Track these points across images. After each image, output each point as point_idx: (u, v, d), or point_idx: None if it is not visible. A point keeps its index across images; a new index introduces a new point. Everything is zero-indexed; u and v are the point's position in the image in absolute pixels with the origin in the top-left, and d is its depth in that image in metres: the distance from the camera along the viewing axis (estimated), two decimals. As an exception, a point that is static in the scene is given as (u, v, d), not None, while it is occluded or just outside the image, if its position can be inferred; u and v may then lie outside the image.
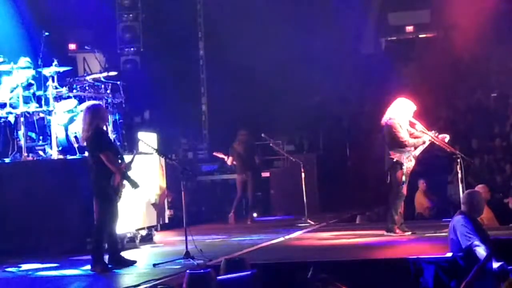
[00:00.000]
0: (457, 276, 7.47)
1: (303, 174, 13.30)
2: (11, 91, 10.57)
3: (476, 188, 10.92)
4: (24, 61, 10.68)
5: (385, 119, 10.61)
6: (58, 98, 10.73)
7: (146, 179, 11.00)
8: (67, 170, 10.14)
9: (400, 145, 10.44)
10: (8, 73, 10.66)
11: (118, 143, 11.14)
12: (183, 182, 10.91)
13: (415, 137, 10.53)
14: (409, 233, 10.54)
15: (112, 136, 10.08)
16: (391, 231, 10.50)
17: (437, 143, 10.70)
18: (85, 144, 8.88)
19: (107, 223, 8.66)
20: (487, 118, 18.01)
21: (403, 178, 10.42)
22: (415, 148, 10.54)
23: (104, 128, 8.86)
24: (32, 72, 10.69)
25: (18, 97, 10.46)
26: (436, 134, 10.61)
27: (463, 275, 6.85)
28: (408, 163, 10.48)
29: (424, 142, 10.50)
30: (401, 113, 10.57)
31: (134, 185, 8.70)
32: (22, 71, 10.59)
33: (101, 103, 10.29)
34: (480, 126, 17.67)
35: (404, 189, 10.54)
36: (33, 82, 10.69)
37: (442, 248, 8.45)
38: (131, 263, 8.78)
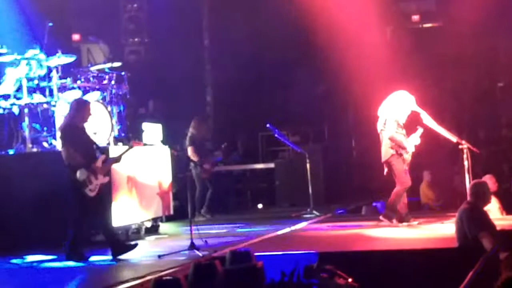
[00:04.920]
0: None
1: (308, 165, 13.25)
2: (15, 83, 10.54)
3: (483, 178, 10.91)
4: (33, 53, 10.62)
5: (380, 111, 10.62)
6: (62, 89, 10.69)
7: (151, 170, 10.97)
8: (71, 161, 10.09)
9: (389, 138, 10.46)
10: (12, 64, 10.62)
11: (123, 135, 11.10)
12: (188, 173, 10.91)
13: (404, 137, 10.47)
14: (416, 222, 10.52)
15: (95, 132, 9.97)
16: (389, 218, 10.48)
17: (441, 133, 10.65)
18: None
19: (83, 217, 8.74)
20: (494, 108, 17.91)
21: (404, 165, 10.44)
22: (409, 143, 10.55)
23: (82, 125, 8.92)
24: (36, 63, 10.63)
25: (22, 88, 10.43)
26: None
27: (469, 265, 6.79)
28: (406, 155, 10.50)
29: (404, 148, 10.43)
30: (397, 107, 10.53)
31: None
32: (26, 62, 10.54)
33: (88, 99, 10.25)
34: (487, 116, 17.58)
35: (408, 177, 10.53)
36: (37, 73, 10.63)
37: (449, 238, 8.42)
38: (133, 246, 8.83)
